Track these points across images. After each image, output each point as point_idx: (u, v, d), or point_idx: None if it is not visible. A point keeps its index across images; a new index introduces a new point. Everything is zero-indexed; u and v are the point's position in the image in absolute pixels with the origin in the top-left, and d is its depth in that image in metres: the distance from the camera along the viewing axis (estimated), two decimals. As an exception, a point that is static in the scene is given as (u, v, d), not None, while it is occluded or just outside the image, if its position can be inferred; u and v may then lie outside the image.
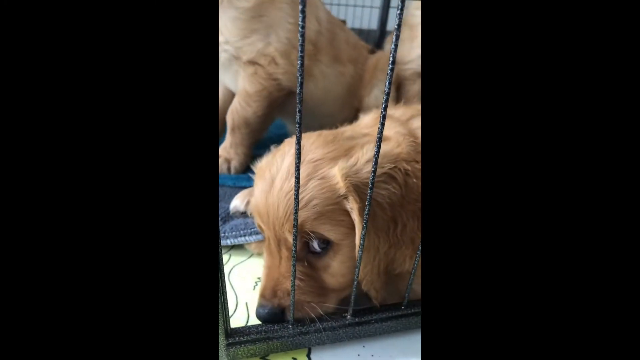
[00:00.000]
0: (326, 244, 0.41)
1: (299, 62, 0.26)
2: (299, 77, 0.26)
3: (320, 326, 0.42)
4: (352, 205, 0.37)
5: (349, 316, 0.42)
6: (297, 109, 0.27)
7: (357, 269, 0.38)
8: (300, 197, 0.38)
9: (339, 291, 0.44)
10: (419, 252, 0.38)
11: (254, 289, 0.51)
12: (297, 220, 0.33)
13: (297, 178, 0.30)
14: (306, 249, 0.42)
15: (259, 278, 0.53)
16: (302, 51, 0.25)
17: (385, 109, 0.29)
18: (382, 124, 0.30)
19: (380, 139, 0.30)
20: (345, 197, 0.38)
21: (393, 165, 0.39)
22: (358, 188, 0.38)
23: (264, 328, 0.41)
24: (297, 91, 0.27)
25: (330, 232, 0.39)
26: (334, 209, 0.39)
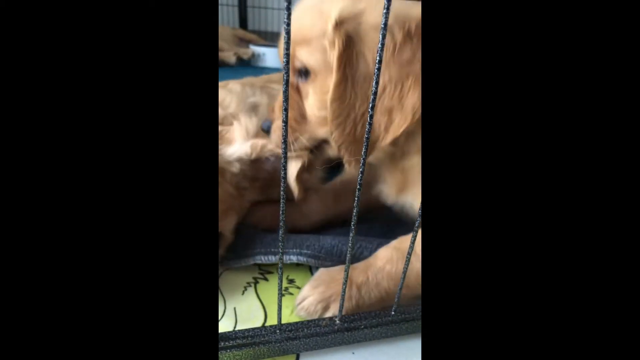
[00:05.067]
0: (308, 72, 0.43)
1: (284, 58, 0.25)
2: (285, 75, 0.26)
3: (309, 331, 0.41)
4: (331, 49, 0.37)
5: (337, 321, 0.42)
6: (283, 107, 0.27)
7: (345, 274, 0.38)
8: (294, 24, 0.38)
9: (314, 126, 0.46)
10: (408, 256, 0.38)
11: (242, 294, 0.50)
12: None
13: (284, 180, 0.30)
14: (296, 74, 0.44)
15: (248, 283, 0.52)
16: (287, 48, 0.25)
17: (372, 108, 0.29)
18: (370, 124, 0.29)
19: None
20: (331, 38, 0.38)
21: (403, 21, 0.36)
22: (348, 36, 0.37)
23: (250, 333, 0.40)
24: (283, 89, 0.26)
25: (308, 58, 0.41)
26: (317, 42, 0.39)
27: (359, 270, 0.45)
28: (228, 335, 0.40)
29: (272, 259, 0.51)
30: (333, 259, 0.51)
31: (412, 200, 0.50)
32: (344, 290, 0.39)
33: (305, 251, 0.51)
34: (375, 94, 0.28)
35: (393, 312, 0.43)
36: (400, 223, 0.53)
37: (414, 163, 0.46)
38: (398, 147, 0.46)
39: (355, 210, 0.33)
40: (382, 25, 0.26)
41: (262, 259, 0.52)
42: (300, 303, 0.44)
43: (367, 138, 0.30)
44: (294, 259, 0.51)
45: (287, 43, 0.25)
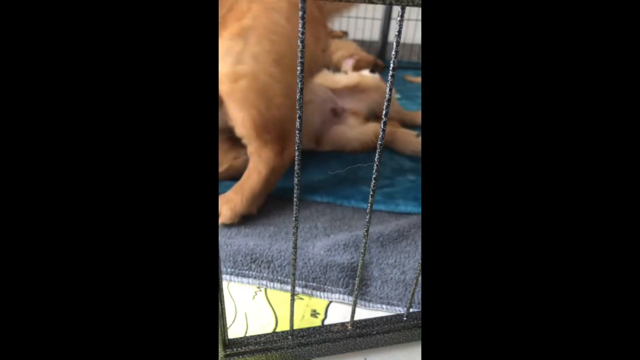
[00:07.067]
0: None
1: (298, 68, 0.25)
2: (299, 83, 0.26)
3: (321, 337, 0.41)
4: None
5: (349, 327, 0.42)
6: (297, 115, 0.27)
7: (358, 273, 0.37)
8: None
9: None
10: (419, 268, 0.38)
11: (253, 298, 0.50)
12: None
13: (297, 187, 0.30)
14: None
15: (258, 287, 0.52)
16: (301, 57, 0.25)
17: (386, 115, 0.29)
18: (383, 131, 0.29)
19: (382, 146, 0.30)
20: None
21: None
22: None
23: (263, 339, 0.40)
24: (297, 97, 0.26)
25: None
26: None
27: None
28: (240, 341, 0.40)
29: (277, 286, 0.52)
30: (339, 286, 0.52)
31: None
32: (356, 297, 0.39)
33: (311, 283, 0.52)
34: (388, 100, 0.28)
35: (405, 318, 0.43)
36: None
37: None
38: None
39: (368, 218, 0.33)
40: (395, 45, 0.26)
41: (268, 285, 0.53)
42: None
43: (382, 138, 0.30)
44: (299, 290, 0.52)
45: (302, 51, 0.25)
